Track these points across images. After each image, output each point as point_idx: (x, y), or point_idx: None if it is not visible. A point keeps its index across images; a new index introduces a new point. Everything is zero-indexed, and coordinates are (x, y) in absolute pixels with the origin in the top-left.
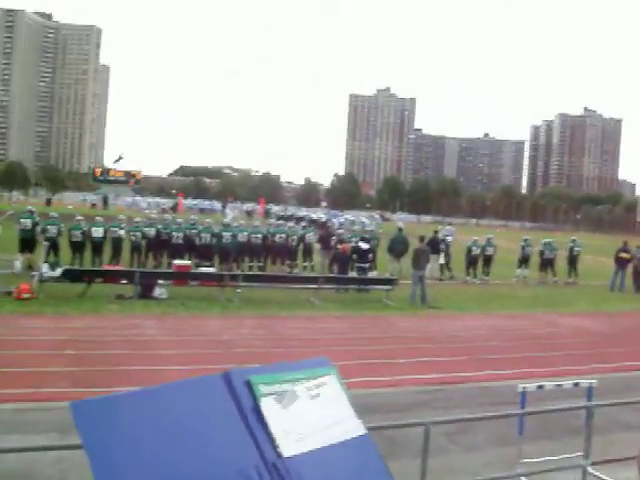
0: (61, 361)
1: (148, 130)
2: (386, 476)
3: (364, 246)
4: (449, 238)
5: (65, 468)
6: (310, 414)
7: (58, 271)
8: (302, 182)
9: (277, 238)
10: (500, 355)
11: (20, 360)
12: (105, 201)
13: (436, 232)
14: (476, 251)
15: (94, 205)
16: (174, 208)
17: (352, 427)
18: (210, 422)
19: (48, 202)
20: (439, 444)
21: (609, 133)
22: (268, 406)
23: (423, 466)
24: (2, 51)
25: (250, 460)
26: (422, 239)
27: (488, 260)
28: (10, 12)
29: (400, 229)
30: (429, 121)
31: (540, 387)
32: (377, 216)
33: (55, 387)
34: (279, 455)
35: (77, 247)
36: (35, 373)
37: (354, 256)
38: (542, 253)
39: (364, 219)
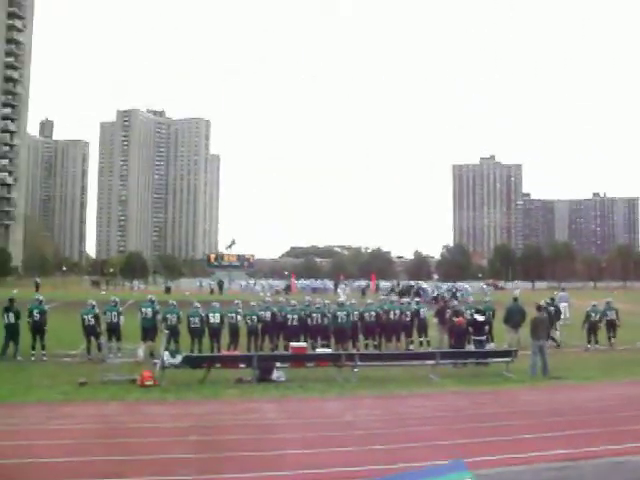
0: (185, 448)
1: (259, 214)
2: None
3: (480, 318)
4: (563, 304)
5: None
6: None
7: (178, 358)
8: (412, 256)
9: (391, 315)
10: (633, 426)
11: (145, 447)
12: (220, 286)
13: (552, 299)
14: (595, 317)
15: (212, 291)
16: (287, 289)
17: None
18: None
19: (167, 290)
20: None
21: None
22: None
23: None
24: (120, 149)
25: None
26: (539, 308)
27: (612, 325)
28: (126, 112)
29: (515, 298)
30: (537, 185)
31: None
32: (484, 286)
33: (181, 475)
34: None
35: (196, 333)
36: (160, 460)
37: (470, 329)
38: None
39: (467, 286)
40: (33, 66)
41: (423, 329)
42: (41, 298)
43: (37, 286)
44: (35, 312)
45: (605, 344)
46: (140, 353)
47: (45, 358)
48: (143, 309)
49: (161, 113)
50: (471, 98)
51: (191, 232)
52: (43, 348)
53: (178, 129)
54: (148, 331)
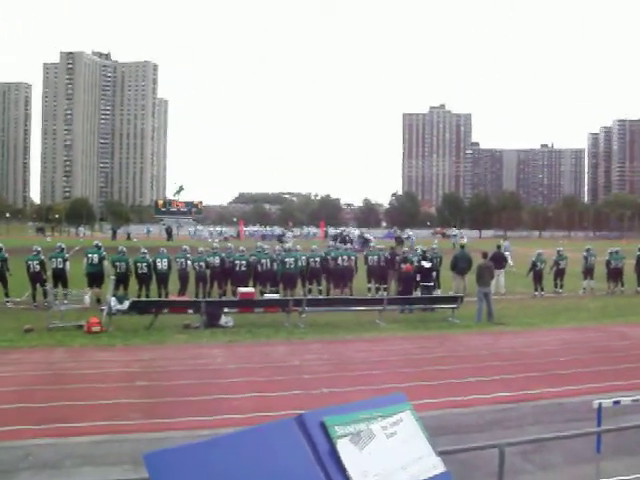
0: (132, 393)
1: (207, 161)
2: None
3: (427, 265)
4: (506, 253)
5: None
6: (387, 453)
7: (126, 304)
8: (361, 204)
9: (339, 261)
10: (572, 370)
11: (93, 393)
12: (169, 233)
13: (499, 247)
14: (541, 265)
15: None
16: (237, 236)
17: (431, 465)
18: (286, 468)
19: (114, 235)
20: (514, 464)
21: None
22: (344, 448)
23: None
24: (64, 92)
25: None
26: (485, 255)
27: (561, 273)
28: (70, 54)
29: (462, 246)
30: (486, 135)
31: (617, 403)
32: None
33: (127, 419)
34: None
35: (143, 279)
36: (108, 405)
37: (418, 275)
38: (609, 263)
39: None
40: None
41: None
42: (1, 245)
43: None
44: None
45: (551, 291)
46: (86, 299)
47: (9, 305)
48: (89, 255)
49: (107, 56)
50: (422, 46)
51: (138, 178)
52: (6, 295)
53: (125, 72)
54: (94, 277)
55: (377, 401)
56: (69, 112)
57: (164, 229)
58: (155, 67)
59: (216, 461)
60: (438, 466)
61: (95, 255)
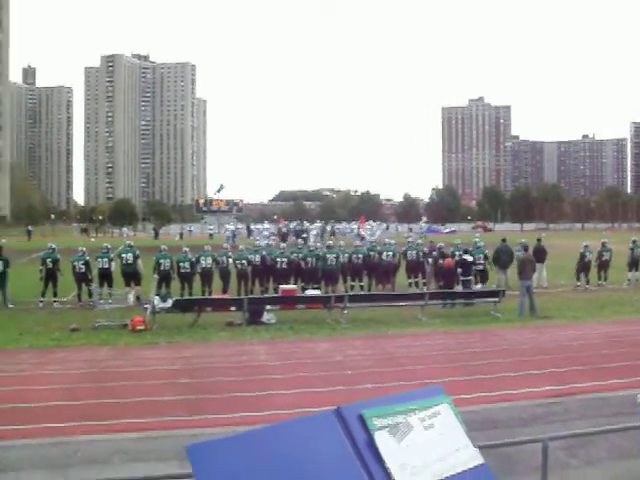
0: (177, 390)
1: (247, 159)
2: None
3: (468, 258)
4: None
5: None
6: (425, 446)
7: (169, 302)
8: (401, 199)
9: (384, 256)
10: (616, 364)
11: (138, 390)
12: (156, 232)
13: (539, 240)
14: (589, 257)
15: (211, 235)
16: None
17: (469, 457)
18: (324, 460)
19: (156, 235)
20: (559, 459)
21: None
22: (382, 440)
23: None
24: (105, 94)
25: None
26: (526, 248)
27: (605, 265)
28: (110, 57)
29: (504, 239)
30: (526, 127)
31: None
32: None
33: (172, 416)
34: None
35: (185, 277)
36: (153, 402)
37: (459, 270)
38: None
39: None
40: (13, 11)
41: (412, 271)
42: (54, 246)
43: (29, 234)
44: (48, 260)
45: (595, 284)
46: (130, 298)
47: (56, 305)
48: (123, 255)
49: (146, 57)
50: (460, 39)
51: (179, 178)
52: (55, 295)
53: (163, 73)
54: (130, 276)
55: (415, 394)
56: (110, 114)
57: (151, 228)
58: (193, 67)
59: (256, 452)
60: (476, 458)
61: (129, 254)
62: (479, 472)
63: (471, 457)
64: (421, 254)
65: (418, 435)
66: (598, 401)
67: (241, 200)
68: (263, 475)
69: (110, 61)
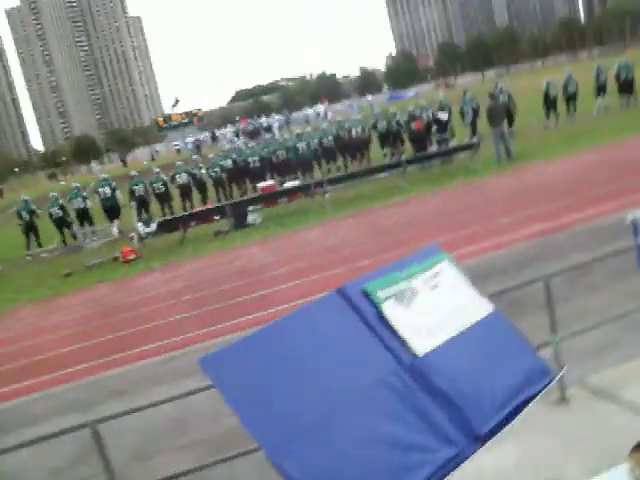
0: (183, 308)
1: (197, 67)
2: (523, 344)
3: (443, 116)
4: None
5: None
6: (434, 306)
7: (153, 226)
8: (358, 73)
9: (353, 133)
10: (601, 191)
11: (145, 317)
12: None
13: (496, 85)
14: (553, 93)
15: (178, 151)
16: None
17: (479, 307)
18: (338, 340)
19: (124, 163)
20: (561, 293)
21: None
22: (390, 309)
23: (552, 318)
24: (35, 34)
25: (387, 367)
26: (492, 96)
27: (572, 97)
28: None
29: (465, 91)
30: None
31: None
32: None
33: (185, 333)
34: (414, 355)
35: (163, 198)
36: (163, 325)
37: (434, 128)
38: (618, 76)
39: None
40: None
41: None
42: (26, 198)
43: (0, 192)
44: (24, 213)
45: (565, 117)
46: (115, 231)
47: (44, 255)
48: (100, 190)
49: None
50: None
51: (132, 101)
52: (39, 245)
53: None
54: (110, 210)
55: (412, 258)
56: (46, 53)
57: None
58: None
59: (271, 348)
60: (487, 307)
61: (106, 188)
62: (493, 319)
63: (482, 307)
64: (393, 124)
65: (425, 297)
66: (590, 231)
67: (199, 109)
68: (281, 367)
69: None
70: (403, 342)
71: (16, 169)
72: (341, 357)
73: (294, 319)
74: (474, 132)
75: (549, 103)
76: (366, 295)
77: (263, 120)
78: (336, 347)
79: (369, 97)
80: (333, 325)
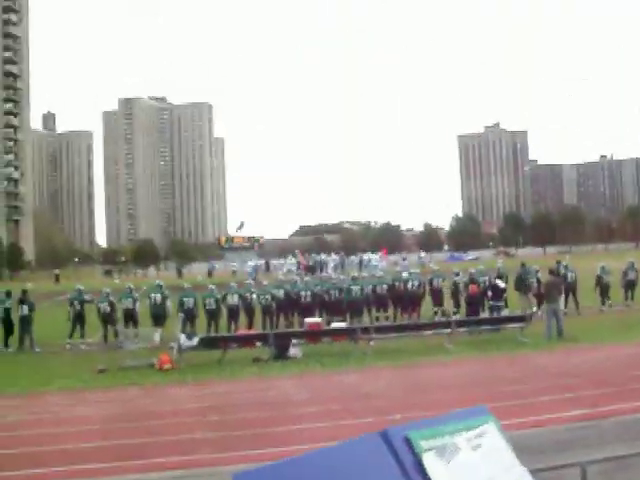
0: (206, 427)
1: (267, 195)
2: None
3: (501, 285)
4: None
5: None
6: (474, 466)
7: (195, 340)
8: (422, 228)
9: (409, 286)
10: None
11: (168, 429)
12: (234, 271)
13: (558, 262)
14: (606, 278)
15: (234, 272)
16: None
17: (518, 476)
18: None
19: (179, 273)
20: None
21: None
22: (430, 461)
23: None
24: (124, 137)
25: None
26: (552, 271)
27: (631, 285)
28: (128, 100)
29: (523, 264)
30: (543, 151)
31: None
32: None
33: (203, 453)
34: None
35: (212, 315)
36: (183, 440)
37: (489, 294)
38: None
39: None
40: (31, 59)
41: (437, 299)
42: (81, 288)
43: (57, 278)
44: (76, 302)
45: (621, 304)
46: (156, 338)
47: (83, 347)
48: (152, 295)
49: (162, 99)
50: (472, 66)
51: (200, 216)
52: (82, 337)
53: (180, 114)
54: (157, 317)
55: (460, 414)
56: (129, 156)
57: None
58: (210, 107)
59: (304, 478)
60: (525, 477)
61: (157, 295)
62: None
63: (520, 476)
64: (449, 282)
65: (466, 456)
66: (634, 423)
67: (262, 236)
68: None
69: (128, 104)
70: None
71: (76, 259)
72: None
73: (331, 453)
74: (539, 304)
75: (602, 287)
76: (408, 442)
77: (319, 257)
78: None
79: (422, 253)
80: (370, 466)
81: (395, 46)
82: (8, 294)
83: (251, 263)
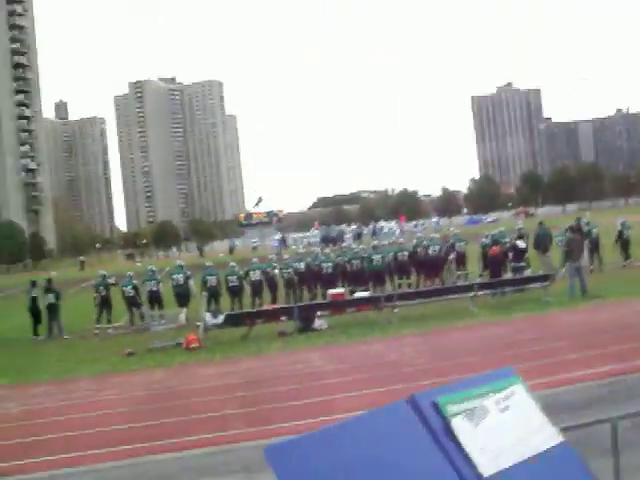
0: (236, 403)
1: (282, 169)
2: None
3: (522, 245)
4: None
5: None
6: (503, 428)
7: (220, 318)
8: (440, 193)
9: (430, 251)
10: None
11: (198, 407)
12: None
13: (578, 219)
14: (627, 233)
15: (255, 248)
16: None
17: (548, 436)
18: (402, 449)
19: (201, 253)
20: (628, 439)
21: None
22: (459, 425)
23: (615, 464)
24: (137, 120)
25: None
26: (572, 229)
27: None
28: (137, 83)
29: (541, 223)
30: (557, 108)
31: None
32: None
33: (234, 429)
34: (479, 475)
35: (235, 292)
36: (214, 417)
37: (510, 255)
38: None
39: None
40: (39, 49)
41: (461, 262)
42: (105, 274)
43: (82, 265)
44: (101, 288)
45: None
46: (182, 318)
47: (110, 331)
48: (174, 276)
49: (172, 80)
50: (483, 26)
51: (217, 195)
52: (109, 322)
53: (191, 93)
54: (181, 297)
55: (486, 377)
56: (144, 139)
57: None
58: (220, 85)
59: (335, 447)
60: (555, 436)
61: (180, 275)
62: (561, 450)
63: (551, 436)
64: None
65: (495, 418)
66: None
67: (280, 210)
68: (344, 469)
69: (138, 87)
70: (469, 460)
71: (97, 245)
72: (404, 467)
73: (361, 422)
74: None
75: (623, 243)
76: (436, 408)
77: (336, 228)
78: (400, 456)
79: (435, 218)
80: (399, 433)
81: (408, 9)
82: (34, 284)
83: (277, 237)
